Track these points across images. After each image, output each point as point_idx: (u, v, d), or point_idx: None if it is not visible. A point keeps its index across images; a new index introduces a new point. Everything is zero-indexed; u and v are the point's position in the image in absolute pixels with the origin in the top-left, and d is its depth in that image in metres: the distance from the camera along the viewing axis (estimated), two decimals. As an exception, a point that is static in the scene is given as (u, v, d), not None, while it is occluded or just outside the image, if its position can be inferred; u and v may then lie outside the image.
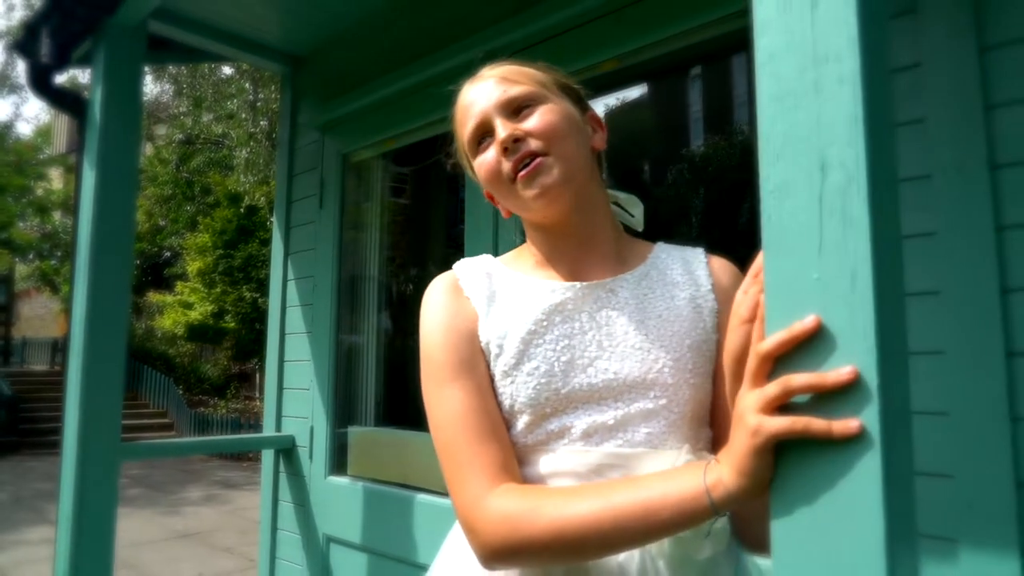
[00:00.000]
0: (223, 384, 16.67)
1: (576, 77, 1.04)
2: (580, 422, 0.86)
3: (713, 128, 3.22)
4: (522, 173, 0.89)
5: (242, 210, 12.00)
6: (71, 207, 17.69)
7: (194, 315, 14.57)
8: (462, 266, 0.98)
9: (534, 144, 0.89)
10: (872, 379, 0.60)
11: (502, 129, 0.90)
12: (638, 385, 0.86)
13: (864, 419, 0.60)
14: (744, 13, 1.72)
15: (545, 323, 0.90)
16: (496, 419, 0.88)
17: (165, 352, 16.60)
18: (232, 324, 14.49)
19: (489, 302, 0.93)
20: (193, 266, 14.77)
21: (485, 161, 0.93)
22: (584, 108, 0.99)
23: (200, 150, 14.07)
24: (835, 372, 0.61)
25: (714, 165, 3.15)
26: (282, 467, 2.86)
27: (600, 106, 2.77)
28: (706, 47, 1.91)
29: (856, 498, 0.60)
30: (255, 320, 14.14)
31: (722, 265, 0.98)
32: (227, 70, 9.53)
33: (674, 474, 0.74)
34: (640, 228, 1.06)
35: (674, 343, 0.88)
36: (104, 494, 2.23)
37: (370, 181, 3.03)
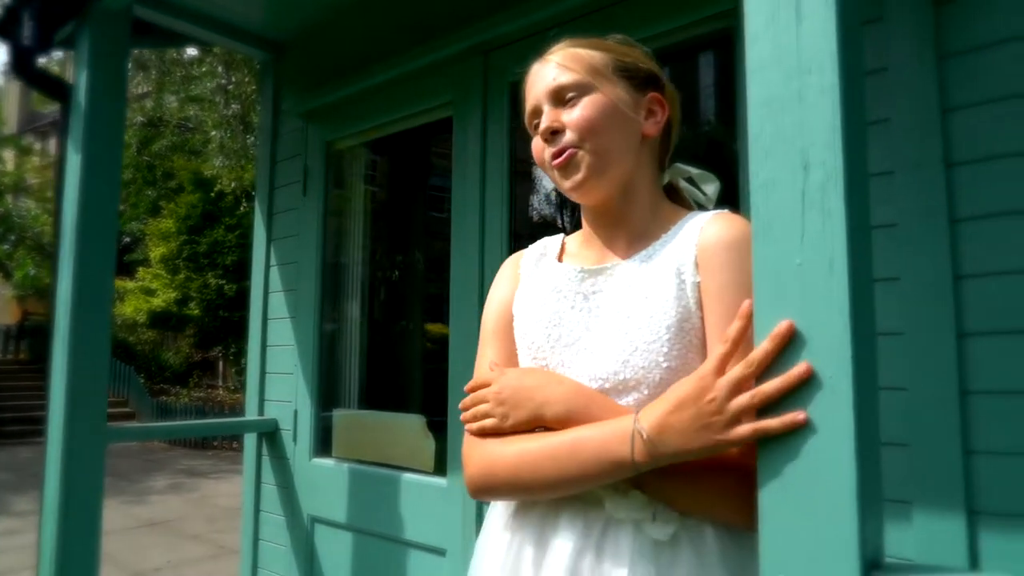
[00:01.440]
0: (185, 372, 16.44)
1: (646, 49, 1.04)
2: None
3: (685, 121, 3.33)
4: (555, 162, 0.97)
5: (212, 195, 11.80)
6: (24, 189, 17.12)
7: (156, 302, 14.33)
8: (536, 243, 1.11)
9: (569, 137, 0.96)
10: (846, 349, 0.70)
11: (544, 119, 0.98)
12: (610, 366, 0.90)
13: (840, 381, 0.69)
14: (721, 16, 1.82)
15: (543, 301, 1.01)
16: None
17: (125, 339, 16.28)
18: (196, 311, 14.29)
19: (527, 277, 1.06)
20: (156, 252, 14.50)
21: (535, 145, 1.01)
22: (646, 90, 1.00)
23: (162, 133, 13.77)
24: (795, 371, 0.70)
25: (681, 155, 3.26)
26: (265, 450, 2.90)
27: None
28: (686, 45, 2.00)
29: (832, 444, 0.69)
30: (220, 307, 13.96)
31: (714, 227, 0.92)
32: (192, 51, 9.35)
33: (609, 422, 0.85)
34: (711, 206, 1.06)
35: (652, 326, 0.89)
36: (91, 477, 2.26)
37: (354, 169, 3.07)
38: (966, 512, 1.30)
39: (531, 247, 1.12)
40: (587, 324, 0.96)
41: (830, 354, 0.70)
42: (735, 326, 0.78)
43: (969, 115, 1.36)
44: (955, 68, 1.38)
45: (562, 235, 1.12)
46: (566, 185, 0.98)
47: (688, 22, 1.89)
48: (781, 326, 0.70)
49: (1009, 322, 1.29)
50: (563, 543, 0.89)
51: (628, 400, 0.89)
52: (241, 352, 14.41)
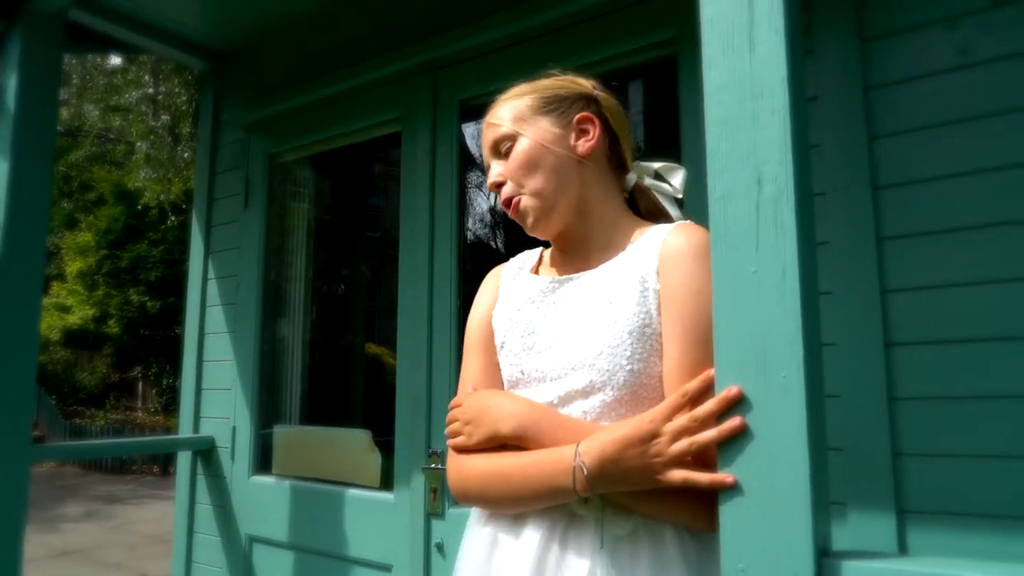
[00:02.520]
0: (101, 394, 15.62)
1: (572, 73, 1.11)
2: (536, 398, 0.99)
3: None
4: (510, 215, 1.07)
5: (139, 208, 11.29)
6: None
7: (72, 319, 13.58)
8: (517, 256, 1.16)
9: (508, 188, 1.06)
10: (799, 350, 0.75)
11: (490, 175, 1.09)
12: (577, 369, 0.95)
13: (793, 380, 0.74)
14: (663, 44, 1.91)
15: (519, 311, 1.06)
16: (492, 386, 1.07)
17: (36, 359, 15.33)
18: (115, 329, 13.61)
19: (505, 290, 1.11)
20: (73, 267, 13.75)
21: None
22: (572, 113, 1.06)
23: (81, 144, 13.14)
24: (728, 424, 0.77)
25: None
26: (200, 469, 2.79)
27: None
28: (630, 70, 2.09)
29: (788, 439, 0.74)
30: (141, 325, 13.35)
31: (675, 237, 0.97)
32: (116, 60, 8.98)
33: (557, 451, 0.91)
34: (680, 195, 1.10)
35: (615, 330, 0.93)
36: (13, 498, 2.13)
37: (297, 182, 3.03)
38: (896, 511, 1.39)
39: (512, 260, 1.17)
40: (558, 331, 1.01)
41: (784, 355, 0.75)
42: (693, 384, 0.85)
43: (893, 142, 1.48)
44: (880, 99, 1.50)
45: (541, 248, 1.17)
46: (526, 228, 1.08)
47: (631, 48, 1.97)
48: (731, 391, 0.77)
49: (931, 333, 1.39)
50: (531, 535, 0.93)
51: (595, 401, 0.94)
52: (163, 372, 13.80)
